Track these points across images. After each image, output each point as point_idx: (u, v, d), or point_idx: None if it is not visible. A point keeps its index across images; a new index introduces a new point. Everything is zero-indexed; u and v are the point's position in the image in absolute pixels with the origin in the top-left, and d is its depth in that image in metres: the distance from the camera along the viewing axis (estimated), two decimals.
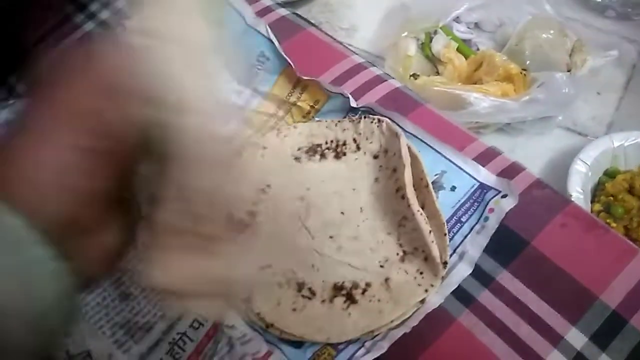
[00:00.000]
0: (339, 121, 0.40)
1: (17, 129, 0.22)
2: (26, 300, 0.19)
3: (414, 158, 0.37)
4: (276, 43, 0.42)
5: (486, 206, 0.37)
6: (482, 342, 0.34)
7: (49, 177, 0.21)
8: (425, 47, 0.61)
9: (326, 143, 0.39)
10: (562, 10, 0.64)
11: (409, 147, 0.37)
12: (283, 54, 0.41)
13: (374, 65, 0.47)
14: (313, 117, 0.41)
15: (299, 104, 0.42)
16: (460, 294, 0.35)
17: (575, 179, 0.48)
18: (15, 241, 0.20)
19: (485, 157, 0.41)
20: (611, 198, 0.50)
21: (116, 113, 0.22)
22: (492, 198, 0.37)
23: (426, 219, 0.35)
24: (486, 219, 0.36)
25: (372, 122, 0.39)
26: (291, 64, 0.41)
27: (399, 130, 0.37)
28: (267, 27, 0.42)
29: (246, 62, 0.42)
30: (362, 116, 0.39)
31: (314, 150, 0.39)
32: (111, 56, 0.23)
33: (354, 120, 0.39)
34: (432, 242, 0.35)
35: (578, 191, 0.48)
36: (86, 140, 0.21)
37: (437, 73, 0.60)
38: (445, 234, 0.36)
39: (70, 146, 0.21)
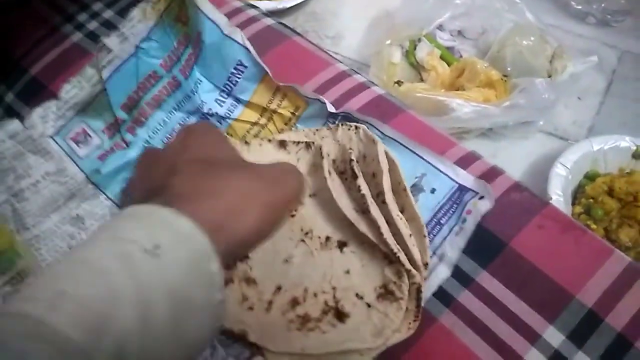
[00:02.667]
0: (317, 130, 0.40)
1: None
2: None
3: (391, 163, 0.38)
4: (252, 51, 0.42)
5: (464, 208, 0.37)
6: (462, 341, 0.35)
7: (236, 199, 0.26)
8: (409, 54, 0.62)
9: None
10: (544, 18, 0.65)
11: (386, 153, 0.38)
12: (260, 61, 0.42)
13: (358, 73, 0.48)
14: (295, 124, 0.42)
15: (279, 111, 0.42)
16: (441, 295, 0.36)
17: (555, 182, 0.49)
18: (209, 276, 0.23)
19: (465, 161, 0.42)
20: (591, 200, 0.51)
21: None
22: (469, 200, 0.38)
23: (406, 222, 0.36)
24: (464, 220, 0.37)
25: (349, 129, 0.39)
26: (268, 71, 0.42)
27: (376, 136, 0.38)
28: (243, 35, 0.43)
29: (225, 71, 0.43)
30: (340, 124, 0.40)
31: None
32: None
33: (331, 128, 0.40)
34: (413, 245, 0.35)
35: (558, 194, 0.49)
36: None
37: (422, 80, 0.61)
38: (425, 236, 0.37)
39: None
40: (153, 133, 0.44)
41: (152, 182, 0.29)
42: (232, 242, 0.25)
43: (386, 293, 0.35)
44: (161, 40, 0.44)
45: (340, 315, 0.34)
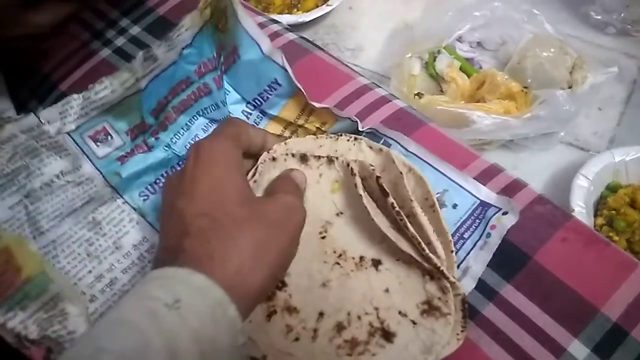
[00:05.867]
0: (317, 137, 0.41)
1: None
2: None
3: (418, 178, 0.39)
4: (290, 71, 0.43)
5: (488, 223, 0.38)
6: (487, 354, 0.35)
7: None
8: (429, 66, 0.62)
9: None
10: (563, 28, 0.65)
11: (413, 169, 0.39)
12: (295, 81, 0.43)
13: (379, 86, 0.49)
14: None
15: (306, 125, 0.43)
16: None
17: (577, 194, 0.49)
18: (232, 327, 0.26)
19: (488, 174, 0.42)
20: (613, 212, 0.51)
21: None
22: (493, 215, 0.38)
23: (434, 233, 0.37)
24: (488, 235, 0.37)
25: (348, 140, 0.40)
26: (303, 91, 0.43)
27: (382, 146, 0.39)
28: (283, 56, 0.43)
29: (258, 87, 0.44)
30: (340, 134, 0.41)
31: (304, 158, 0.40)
32: None
33: (331, 137, 0.41)
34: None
35: (580, 205, 0.49)
36: None
37: (442, 91, 0.62)
38: (452, 251, 0.37)
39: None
40: (175, 137, 0.43)
41: (167, 242, 0.32)
42: (246, 298, 0.28)
43: (431, 309, 0.35)
44: (200, 46, 0.43)
45: (388, 335, 0.34)
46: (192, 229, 0.30)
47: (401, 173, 0.37)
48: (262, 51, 0.43)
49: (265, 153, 0.41)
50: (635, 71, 0.66)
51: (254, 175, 0.39)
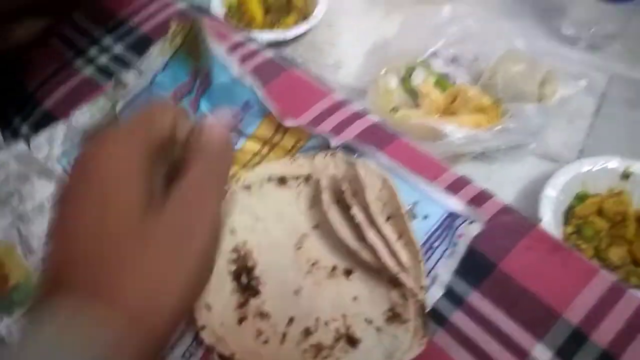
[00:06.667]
0: (295, 159, 0.43)
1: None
2: None
3: (391, 190, 0.40)
4: (259, 93, 0.45)
5: (455, 232, 0.40)
6: None
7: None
8: (405, 81, 0.64)
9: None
10: (535, 43, 0.68)
11: (386, 180, 0.40)
12: (265, 102, 0.45)
13: (353, 102, 0.51)
14: (295, 154, 0.44)
15: (282, 143, 0.45)
16: (434, 315, 0.38)
17: (545, 204, 0.51)
18: None
19: (457, 186, 0.44)
20: (581, 221, 0.53)
21: None
22: (460, 224, 0.40)
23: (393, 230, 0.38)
24: (455, 244, 0.39)
25: (325, 156, 0.42)
26: (272, 111, 0.45)
27: (353, 159, 0.41)
28: (251, 79, 0.46)
29: (232, 109, 0.46)
30: (317, 151, 0.43)
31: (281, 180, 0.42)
32: None
33: (309, 157, 0.42)
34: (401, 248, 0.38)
35: (548, 215, 0.51)
36: None
37: (418, 106, 0.64)
38: (421, 260, 0.39)
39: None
40: None
41: (50, 269, 0.26)
42: (155, 331, 0.24)
43: (394, 316, 0.37)
44: (174, 73, 0.46)
45: (352, 341, 0.36)
46: (78, 257, 0.25)
47: (364, 186, 0.38)
48: (232, 75, 0.45)
49: (235, 182, 0.43)
50: (604, 84, 0.68)
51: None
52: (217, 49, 0.46)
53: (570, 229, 0.53)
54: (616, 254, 0.51)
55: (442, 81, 0.63)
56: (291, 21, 0.73)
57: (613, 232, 0.52)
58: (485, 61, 0.64)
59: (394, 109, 0.59)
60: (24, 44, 0.45)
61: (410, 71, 0.64)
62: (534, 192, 0.55)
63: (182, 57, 0.46)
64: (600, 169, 0.55)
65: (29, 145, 0.47)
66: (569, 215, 0.54)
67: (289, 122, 0.45)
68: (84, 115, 0.48)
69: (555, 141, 0.61)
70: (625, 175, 0.55)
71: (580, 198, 0.54)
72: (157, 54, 0.47)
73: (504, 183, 0.58)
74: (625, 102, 0.66)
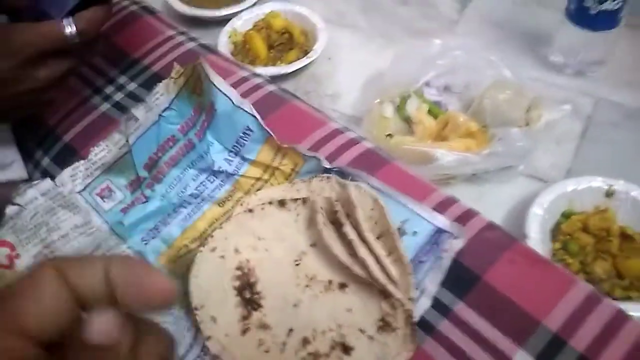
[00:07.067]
0: (293, 183, 0.47)
1: None
2: None
3: (381, 210, 0.44)
4: (259, 118, 0.49)
5: (441, 247, 0.43)
6: None
7: None
8: (400, 109, 0.68)
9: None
10: (524, 71, 0.72)
11: (377, 200, 0.44)
12: (265, 126, 0.49)
13: (349, 130, 0.55)
14: (294, 178, 0.48)
15: (281, 167, 0.49)
16: (423, 324, 0.41)
17: (532, 221, 0.54)
18: None
19: (444, 205, 0.47)
20: (568, 237, 0.56)
21: None
22: (446, 240, 0.43)
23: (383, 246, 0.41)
24: (441, 258, 0.42)
25: (321, 180, 0.46)
26: (272, 135, 0.49)
27: (347, 181, 0.45)
28: (251, 105, 0.50)
29: (234, 135, 0.50)
30: (313, 175, 0.46)
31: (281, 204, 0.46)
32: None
33: (305, 181, 0.46)
34: (390, 264, 0.41)
35: (535, 232, 0.54)
36: None
37: (413, 132, 0.68)
38: (410, 274, 0.42)
39: None
40: (169, 188, 0.50)
41: None
42: None
43: (385, 325, 0.40)
44: (180, 109, 0.51)
45: (347, 349, 0.39)
46: None
47: (355, 206, 0.42)
48: (233, 102, 0.49)
49: (239, 206, 0.46)
50: (590, 108, 0.71)
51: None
52: (218, 80, 0.50)
53: (557, 245, 0.56)
54: (601, 267, 0.53)
55: (435, 109, 0.67)
56: (293, 56, 0.78)
57: (598, 247, 0.55)
58: (476, 89, 0.68)
59: (390, 135, 0.63)
60: (46, 85, 0.49)
61: (405, 100, 0.68)
62: (523, 211, 0.58)
63: (187, 95, 0.51)
64: (585, 188, 0.58)
65: (53, 180, 0.51)
66: (556, 232, 0.57)
67: (286, 144, 0.49)
68: (103, 151, 0.53)
69: (543, 162, 0.65)
70: (609, 194, 0.58)
71: (566, 216, 0.57)
72: (163, 92, 0.52)
73: (495, 203, 0.61)
74: (610, 125, 0.70)
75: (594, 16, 0.69)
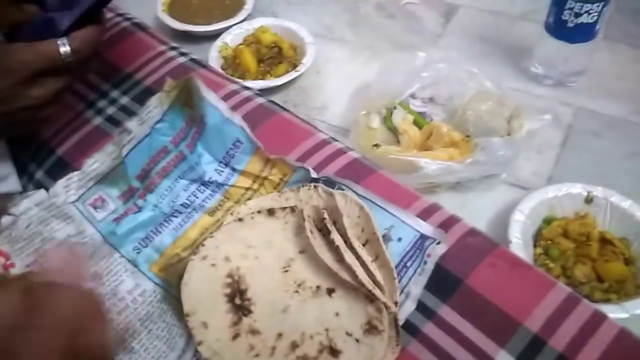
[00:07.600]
0: (282, 192, 0.48)
1: None
2: None
3: (367, 217, 0.45)
4: (248, 130, 0.51)
5: (425, 252, 0.44)
6: None
7: None
8: (386, 120, 0.70)
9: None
10: (506, 82, 0.74)
11: (362, 207, 0.46)
12: (254, 138, 0.51)
13: (336, 140, 0.56)
14: (283, 187, 0.50)
15: (270, 177, 0.50)
16: (408, 327, 0.42)
17: (514, 227, 0.56)
18: None
19: (428, 212, 0.49)
20: (549, 242, 0.57)
21: None
22: (429, 245, 0.45)
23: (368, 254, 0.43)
24: (425, 262, 0.44)
25: (309, 189, 0.47)
26: (261, 146, 0.51)
27: (334, 190, 0.46)
28: (240, 118, 0.52)
29: (224, 146, 0.51)
30: (301, 185, 0.48)
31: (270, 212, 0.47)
32: None
33: (294, 190, 0.48)
34: (375, 269, 0.42)
35: (517, 237, 0.56)
36: None
37: (398, 142, 0.69)
38: (395, 278, 0.43)
39: None
40: (161, 198, 0.51)
41: None
42: None
43: (371, 328, 0.41)
44: (171, 121, 0.52)
45: (334, 352, 0.40)
46: None
47: (342, 214, 0.44)
48: (223, 115, 0.51)
49: (229, 215, 0.48)
50: (571, 117, 0.74)
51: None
52: (208, 94, 0.52)
53: (539, 250, 0.57)
54: (581, 271, 0.55)
55: (420, 119, 0.69)
56: (282, 70, 0.80)
57: (578, 251, 0.57)
58: (459, 100, 0.70)
59: (376, 145, 0.65)
60: (41, 102, 0.50)
61: (390, 111, 0.70)
62: (506, 218, 0.59)
63: (178, 107, 0.53)
64: (565, 194, 0.60)
65: (47, 190, 0.52)
66: (537, 237, 0.59)
67: (274, 156, 0.50)
68: (96, 162, 0.54)
69: (525, 170, 0.67)
70: (589, 200, 0.60)
71: (547, 221, 0.59)
72: (156, 105, 0.54)
73: (479, 210, 0.63)
74: (590, 133, 0.72)
75: (572, 29, 0.72)
